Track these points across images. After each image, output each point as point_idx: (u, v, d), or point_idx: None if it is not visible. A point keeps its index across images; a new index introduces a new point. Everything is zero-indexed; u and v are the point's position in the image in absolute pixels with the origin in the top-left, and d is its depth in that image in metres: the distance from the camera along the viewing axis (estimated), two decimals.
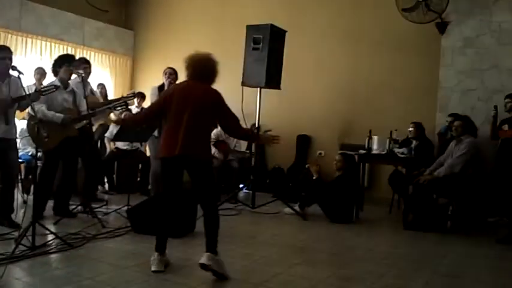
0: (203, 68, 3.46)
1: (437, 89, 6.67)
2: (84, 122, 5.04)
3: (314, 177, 5.79)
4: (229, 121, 3.54)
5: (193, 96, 3.37)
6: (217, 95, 3.48)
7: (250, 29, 5.83)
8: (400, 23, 6.62)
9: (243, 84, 5.84)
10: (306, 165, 7.26)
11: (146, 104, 7.95)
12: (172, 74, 5.67)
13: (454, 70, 6.57)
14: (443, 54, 6.65)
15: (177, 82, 3.56)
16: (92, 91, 5.83)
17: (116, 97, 7.35)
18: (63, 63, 4.89)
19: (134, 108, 7.18)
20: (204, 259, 3.17)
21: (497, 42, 6.32)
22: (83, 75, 5.07)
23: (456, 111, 6.22)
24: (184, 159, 3.33)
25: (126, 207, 4.94)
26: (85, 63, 5.68)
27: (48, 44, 7.94)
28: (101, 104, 5.55)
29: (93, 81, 7.81)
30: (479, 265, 4.00)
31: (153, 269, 3.29)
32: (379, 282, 3.38)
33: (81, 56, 8.16)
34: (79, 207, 5.09)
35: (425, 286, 3.34)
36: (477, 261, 4.11)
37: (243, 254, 3.94)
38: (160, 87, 5.73)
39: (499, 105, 5.89)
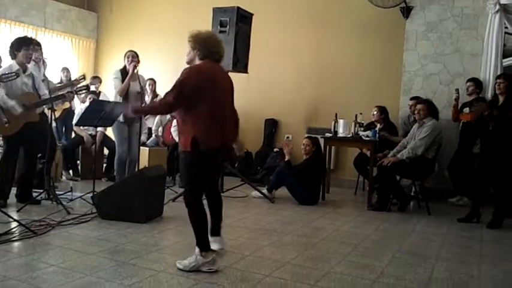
0: (220, 48, 3.22)
1: (401, 73, 6.80)
2: (45, 106, 4.91)
3: (286, 158, 5.84)
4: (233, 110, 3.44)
5: (224, 80, 3.24)
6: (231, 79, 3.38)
7: (217, 11, 5.77)
8: (365, 8, 6.70)
9: None
10: (274, 150, 7.34)
11: (104, 87, 7.88)
12: (135, 57, 5.65)
13: (417, 54, 6.70)
14: (407, 39, 6.77)
15: (195, 63, 3.16)
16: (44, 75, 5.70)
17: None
18: (21, 46, 4.73)
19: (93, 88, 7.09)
20: (221, 244, 3.36)
21: (459, 27, 6.47)
22: (46, 59, 4.95)
23: (419, 95, 6.37)
24: (225, 149, 3.32)
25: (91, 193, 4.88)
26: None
27: (8, 26, 7.65)
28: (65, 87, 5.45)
29: (57, 65, 7.65)
30: (440, 243, 4.15)
31: (215, 268, 3.07)
32: (344, 261, 3.47)
33: (42, 38, 7.97)
34: (43, 194, 4.99)
35: (389, 264, 3.45)
36: (438, 240, 4.26)
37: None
38: (123, 71, 5.64)
39: (460, 88, 6.07)
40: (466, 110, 5.90)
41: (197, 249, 3.07)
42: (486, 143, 4.94)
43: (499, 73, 5.93)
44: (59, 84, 6.39)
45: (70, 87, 5.62)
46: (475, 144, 5.53)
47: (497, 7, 6.00)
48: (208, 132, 3.02)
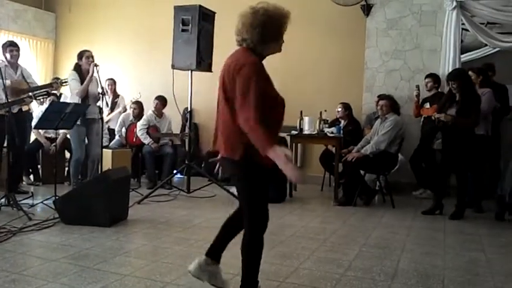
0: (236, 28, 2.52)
1: (363, 69, 6.90)
2: (4, 110, 4.76)
3: None
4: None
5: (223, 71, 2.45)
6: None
7: (178, 9, 5.69)
8: (327, 6, 6.77)
9: (173, 67, 5.72)
10: None
11: (65, 88, 7.66)
12: (93, 56, 5.57)
13: (378, 51, 6.82)
14: (368, 36, 6.88)
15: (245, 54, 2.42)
16: (23, 74, 5.50)
17: (41, 83, 7.01)
18: None
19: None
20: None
21: (419, 23, 6.63)
22: (5, 63, 4.80)
23: (381, 91, 6.50)
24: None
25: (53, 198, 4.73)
26: (10, 46, 5.46)
27: None
28: (26, 90, 5.26)
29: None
30: (405, 235, 4.23)
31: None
32: (313, 257, 3.49)
33: None
34: (2, 200, 4.81)
35: (356, 258, 3.49)
36: (403, 232, 4.34)
37: (178, 238, 3.92)
38: (78, 70, 5.52)
39: (420, 84, 6.20)
40: (427, 105, 6.05)
41: None
42: (447, 138, 5.06)
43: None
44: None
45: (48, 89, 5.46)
46: (436, 139, 5.66)
47: (454, 4, 6.16)
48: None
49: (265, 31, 2.37)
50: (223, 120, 2.41)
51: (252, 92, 2.22)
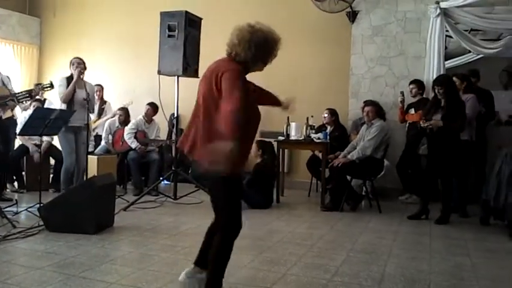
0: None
1: (349, 76, 6.95)
2: None
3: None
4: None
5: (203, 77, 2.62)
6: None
7: (164, 15, 5.69)
8: (313, 13, 6.80)
9: (159, 72, 5.71)
10: None
11: (48, 93, 7.58)
12: (80, 63, 5.49)
13: (364, 57, 6.88)
14: (353, 43, 6.94)
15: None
16: (3, 81, 5.43)
17: (26, 88, 6.92)
18: None
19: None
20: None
21: (403, 30, 6.70)
22: None
23: (367, 97, 6.56)
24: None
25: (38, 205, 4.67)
26: None
27: None
28: (7, 97, 5.20)
29: None
30: (392, 240, 4.25)
31: None
32: (300, 262, 3.49)
33: None
34: None
35: (343, 263, 3.49)
36: (390, 237, 4.36)
37: (165, 245, 3.89)
38: (69, 78, 5.48)
39: (405, 90, 6.27)
40: (411, 111, 6.10)
41: None
42: (432, 143, 5.11)
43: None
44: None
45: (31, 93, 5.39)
46: (422, 144, 5.71)
47: (438, 11, 6.23)
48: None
49: (259, 52, 2.52)
50: (198, 124, 2.51)
51: (237, 89, 2.31)
